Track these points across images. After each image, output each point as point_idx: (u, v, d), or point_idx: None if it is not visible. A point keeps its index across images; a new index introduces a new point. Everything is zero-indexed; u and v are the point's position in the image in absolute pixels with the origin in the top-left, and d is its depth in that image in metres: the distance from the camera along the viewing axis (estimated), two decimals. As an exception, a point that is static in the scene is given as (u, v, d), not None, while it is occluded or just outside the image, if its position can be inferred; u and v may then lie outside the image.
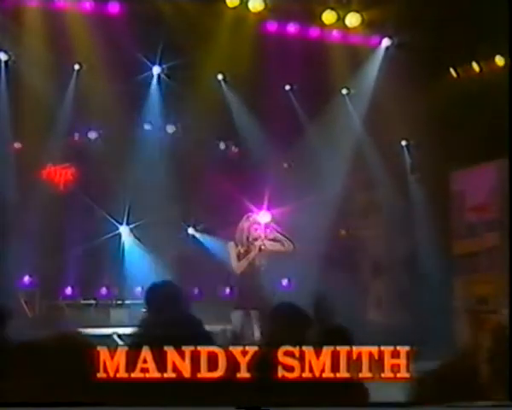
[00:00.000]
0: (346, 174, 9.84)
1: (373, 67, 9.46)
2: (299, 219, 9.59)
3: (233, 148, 10.37)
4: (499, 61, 8.28)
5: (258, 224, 6.03)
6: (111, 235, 10.15)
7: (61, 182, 10.17)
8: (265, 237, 5.92)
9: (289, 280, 10.44)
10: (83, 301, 10.10)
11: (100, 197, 9.96)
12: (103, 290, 10.23)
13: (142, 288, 10.48)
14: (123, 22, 8.48)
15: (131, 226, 10.22)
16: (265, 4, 8.43)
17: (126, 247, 10.34)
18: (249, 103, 9.51)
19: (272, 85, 9.32)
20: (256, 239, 5.92)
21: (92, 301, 10.13)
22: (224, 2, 8.34)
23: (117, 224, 10.14)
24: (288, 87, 9.66)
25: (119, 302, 10.15)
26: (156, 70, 9.05)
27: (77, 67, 8.89)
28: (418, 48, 8.81)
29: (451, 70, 8.86)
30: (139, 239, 10.29)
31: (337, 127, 9.79)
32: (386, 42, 9.22)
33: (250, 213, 6.10)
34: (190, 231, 10.49)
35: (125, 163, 9.72)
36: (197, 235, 10.52)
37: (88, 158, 9.92)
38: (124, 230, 10.23)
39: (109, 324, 9.42)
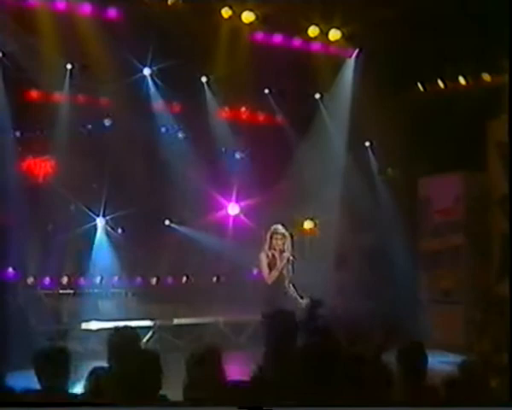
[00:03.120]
0: (317, 170, 11.07)
1: (344, 75, 10.75)
2: (267, 211, 10.94)
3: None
4: (462, 80, 9.76)
5: (278, 234, 6.79)
6: (88, 226, 10.89)
7: (41, 174, 10.81)
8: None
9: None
10: (61, 291, 10.84)
11: (77, 190, 10.71)
12: (81, 280, 10.98)
13: (120, 278, 11.46)
14: (118, 26, 9.25)
15: (108, 218, 11.00)
16: (256, 16, 9.46)
17: (103, 238, 11.10)
18: (229, 104, 10.57)
19: (252, 88, 10.41)
20: (282, 251, 6.70)
21: (70, 291, 10.87)
22: (219, 13, 9.29)
23: (94, 215, 10.90)
24: (266, 91, 10.75)
25: (98, 292, 10.96)
26: (147, 71, 9.87)
27: (69, 66, 9.54)
28: (389, 61, 10.14)
29: (419, 85, 10.25)
30: (116, 230, 11.13)
31: (310, 127, 11.05)
32: (356, 54, 10.52)
33: (275, 225, 6.93)
34: (167, 222, 11.45)
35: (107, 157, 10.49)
36: (173, 226, 11.49)
37: (69, 151, 10.54)
38: (101, 221, 11.00)
39: (91, 313, 10.27)
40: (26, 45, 9.13)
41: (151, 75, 9.98)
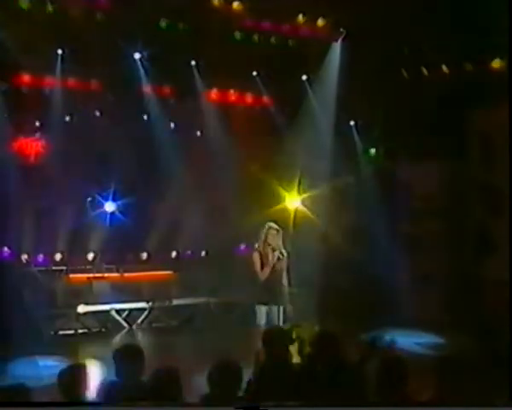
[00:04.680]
0: (302, 147, 11.48)
1: (331, 59, 11.08)
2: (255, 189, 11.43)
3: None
4: (446, 69, 10.11)
5: (273, 229, 7.16)
6: (80, 204, 11.25)
7: (32, 154, 11.09)
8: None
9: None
10: (54, 268, 11.26)
11: (69, 169, 11.04)
12: (73, 257, 11.34)
13: (112, 254, 11.84)
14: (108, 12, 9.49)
15: (101, 196, 11.35)
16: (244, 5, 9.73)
17: (96, 215, 11.46)
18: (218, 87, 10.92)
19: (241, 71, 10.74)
20: (274, 249, 7.06)
21: (63, 268, 11.29)
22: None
23: (87, 194, 11.24)
24: (254, 73, 11.07)
25: (90, 268, 11.38)
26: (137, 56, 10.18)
27: (60, 51, 9.84)
28: (373, 47, 10.47)
29: (403, 71, 10.59)
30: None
31: (297, 108, 11.42)
32: (342, 38, 10.86)
33: (269, 223, 7.31)
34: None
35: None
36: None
37: (61, 132, 10.80)
38: (92, 200, 11.34)
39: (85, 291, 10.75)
40: (18, 31, 9.36)
41: (141, 59, 10.26)
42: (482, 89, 9.42)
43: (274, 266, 7.07)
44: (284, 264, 7.11)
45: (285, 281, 7.14)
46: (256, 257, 7.11)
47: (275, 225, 7.23)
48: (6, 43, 9.33)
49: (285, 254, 7.11)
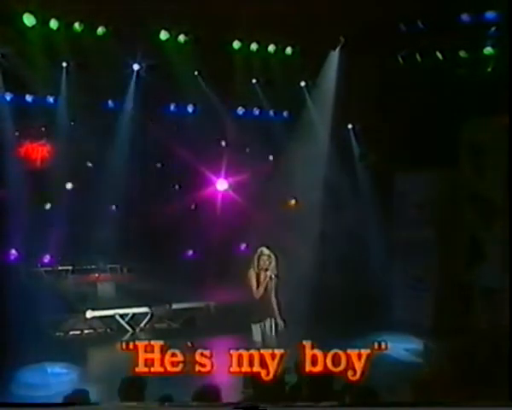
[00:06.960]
0: (301, 152, 11.92)
1: (329, 66, 11.46)
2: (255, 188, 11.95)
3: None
4: (442, 77, 10.48)
5: (264, 255, 7.61)
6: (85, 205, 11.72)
7: (38, 159, 11.59)
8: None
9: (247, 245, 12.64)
10: (60, 268, 11.80)
11: (73, 172, 11.57)
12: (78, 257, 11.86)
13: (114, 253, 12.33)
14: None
15: (102, 196, 11.82)
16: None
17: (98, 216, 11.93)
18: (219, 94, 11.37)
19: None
20: (267, 269, 7.59)
21: (69, 267, 11.83)
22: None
23: (91, 196, 11.71)
24: (254, 81, 11.51)
25: (94, 267, 11.92)
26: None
27: (64, 64, 10.38)
28: (369, 56, 10.85)
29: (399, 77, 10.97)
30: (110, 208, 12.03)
31: (296, 112, 11.85)
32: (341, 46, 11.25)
33: (261, 248, 7.75)
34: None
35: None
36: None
37: (65, 137, 11.27)
38: (99, 201, 11.82)
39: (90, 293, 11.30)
40: (24, 46, 9.82)
41: (139, 71, 10.73)
42: (476, 102, 9.76)
43: (267, 286, 7.58)
44: (274, 283, 7.60)
45: (274, 299, 7.64)
46: (252, 275, 7.60)
47: (266, 251, 7.69)
48: (13, 57, 9.89)
49: (274, 275, 7.58)
